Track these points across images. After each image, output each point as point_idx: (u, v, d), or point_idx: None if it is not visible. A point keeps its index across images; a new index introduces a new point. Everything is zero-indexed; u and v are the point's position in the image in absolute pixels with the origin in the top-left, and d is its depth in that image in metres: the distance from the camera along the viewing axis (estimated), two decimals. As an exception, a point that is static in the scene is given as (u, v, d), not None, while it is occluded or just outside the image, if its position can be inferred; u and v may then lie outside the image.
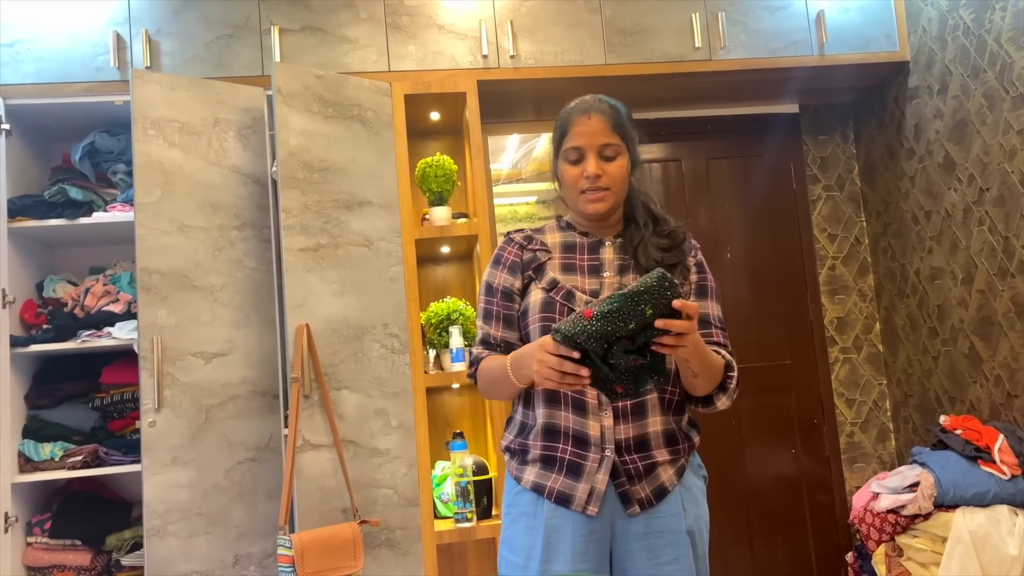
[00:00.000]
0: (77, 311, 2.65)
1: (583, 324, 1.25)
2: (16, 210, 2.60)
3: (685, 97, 3.33)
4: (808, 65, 3.04)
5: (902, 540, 2.58)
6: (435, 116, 3.01)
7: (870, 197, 3.52)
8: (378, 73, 2.79)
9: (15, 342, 2.55)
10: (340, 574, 2.21)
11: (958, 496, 2.49)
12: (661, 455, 1.48)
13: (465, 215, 2.89)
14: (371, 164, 2.64)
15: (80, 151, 2.73)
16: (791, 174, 3.56)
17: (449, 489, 2.74)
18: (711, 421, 3.25)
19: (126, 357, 2.66)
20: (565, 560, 1.44)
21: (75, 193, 2.65)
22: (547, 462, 1.49)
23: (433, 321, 2.75)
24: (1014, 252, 2.65)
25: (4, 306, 2.54)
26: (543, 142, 3.40)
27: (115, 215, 2.65)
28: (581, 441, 1.46)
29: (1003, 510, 2.46)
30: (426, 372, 2.70)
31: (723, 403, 1.49)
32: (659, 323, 1.24)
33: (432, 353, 2.78)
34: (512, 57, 2.86)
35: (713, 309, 1.56)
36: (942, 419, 2.78)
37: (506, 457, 1.58)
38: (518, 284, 1.57)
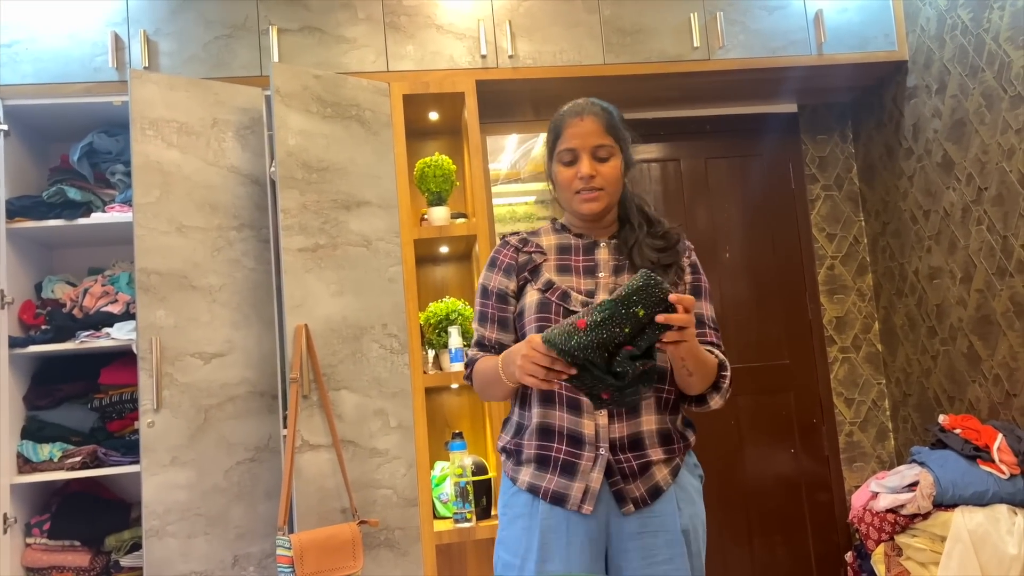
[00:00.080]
0: (76, 312, 2.65)
1: (578, 336, 1.24)
2: (15, 211, 2.60)
3: (683, 97, 3.32)
4: (806, 65, 3.04)
5: (901, 539, 2.58)
6: (434, 116, 3.01)
7: (869, 197, 3.51)
8: (376, 73, 2.79)
9: (14, 343, 2.55)
10: (339, 574, 2.21)
11: (957, 495, 2.49)
12: (656, 454, 1.48)
13: (464, 215, 2.89)
14: (370, 164, 2.64)
15: (78, 151, 2.73)
16: (790, 174, 3.56)
17: (448, 489, 2.74)
18: (710, 421, 3.25)
19: (125, 358, 2.66)
20: (560, 560, 1.44)
21: (73, 194, 2.65)
22: (542, 462, 1.49)
23: (432, 321, 2.75)
24: (1012, 251, 2.65)
25: (3, 307, 2.54)
26: (542, 142, 3.39)
27: (114, 216, 2.66)
28: (575, 440, 1.47)
29: (1002, 509, 2.46)
30: (425, 372, 2.70)
31: (716, 402, 1.50)
32: (660, 318, 1.25)
33: (431, 353, 2.78)
34: (511, 57, 2.86)
35: (707, 310, 1.57)
36: (941, 418, 2.78)
37: (502, 458, 1.58)
38: (513, 286, 1.58)
